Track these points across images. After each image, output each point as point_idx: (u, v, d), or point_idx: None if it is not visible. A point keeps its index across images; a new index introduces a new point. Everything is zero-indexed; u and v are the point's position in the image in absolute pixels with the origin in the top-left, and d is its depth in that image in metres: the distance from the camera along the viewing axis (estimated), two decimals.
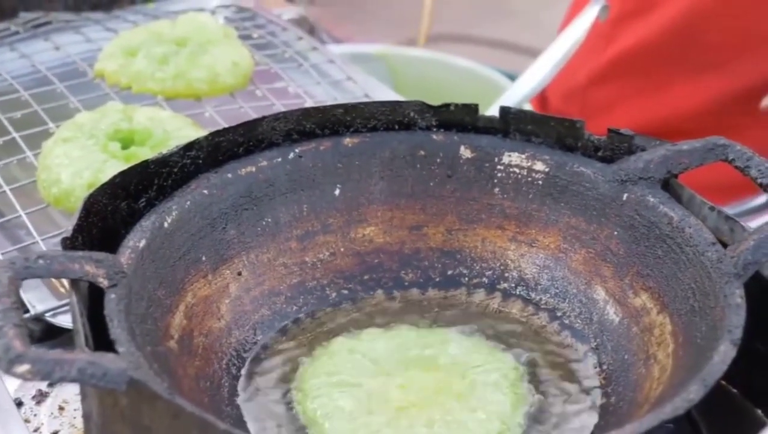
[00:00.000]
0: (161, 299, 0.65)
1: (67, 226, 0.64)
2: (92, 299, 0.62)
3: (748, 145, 0.71)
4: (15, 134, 0.96)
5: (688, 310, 0.65)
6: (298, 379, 0.68)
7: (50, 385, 0.76)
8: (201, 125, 0.95)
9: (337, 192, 0.75)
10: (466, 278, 0.75)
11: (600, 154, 0.74)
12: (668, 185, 0.71)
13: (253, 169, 0.73)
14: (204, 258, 0.70)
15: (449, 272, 0.76)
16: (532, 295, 0.74)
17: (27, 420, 0.73)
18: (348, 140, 0.76)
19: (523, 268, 0.75)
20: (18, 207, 0.88)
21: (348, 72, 1.13)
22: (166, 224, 0.68)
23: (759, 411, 0.69)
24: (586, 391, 0.67)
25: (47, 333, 0.80)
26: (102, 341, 0.59)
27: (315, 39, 1.26)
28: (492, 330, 0.72)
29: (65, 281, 0.80)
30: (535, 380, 0.68)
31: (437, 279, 0.75)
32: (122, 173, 0.68)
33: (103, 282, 0.61)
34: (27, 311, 0.79)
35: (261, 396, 0.67)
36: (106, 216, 0.67)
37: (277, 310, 0.72)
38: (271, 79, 1.09)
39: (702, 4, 1.26)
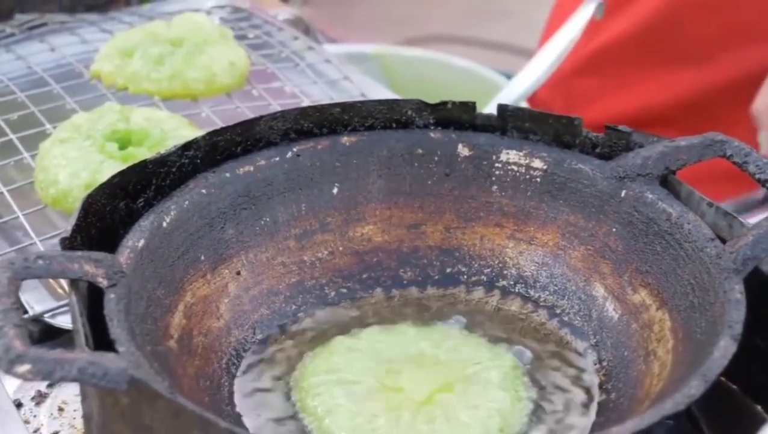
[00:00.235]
0: (160, 298, 0.65)
1: (65, 227, 0.64)
2: (91, 300, 0.62)
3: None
4: (12, 135, 0.96)
5: (687, 306, 0.65)
6: (298, 377, 0.68)
7: (49, 386, 0.76)
8: (198, 125, 0.95)
9: (335, 191, 0.75)
10: (465, 276, 0.75)
11: (598, 151, 0.74)
12: (666, 182, 0.71)
13: (251, 168, 0.73)
14: (203, 258, 0.70)
15: (448, 271, 0.76)
16: (531, 292, 0.74)
17: (27, 421, 0.73)
18: (346, 139, 0.76)
19: (521, 265, 0.75)
20: (16, 208, 0.88)
21: (344, 72, 1.13)
22: (164, 224, 0.68)
23: (759, 407, 0.69)
24: (586, 388, 0.67)
25: (46, 334, 0.80)
26: (101, 341, 0.59)
27: (310, 39, 1.26)
28: (491, 327, 0.72)
29: (64, 282, 0.81)
30: (534, 377, 0.68)
31: (436, 277, 0.75)
32: (120, 173, 0.68)
33: (103, 282, 0.61)
34: (25, 312, 0.78)
35: (261, 394, 0.67)
36: (105, 216, 0.67)
37: (276, 309, 0.72)
38: (268, 79, 1.09)
39: None
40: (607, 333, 0.70)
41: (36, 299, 0.80)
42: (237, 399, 0.66)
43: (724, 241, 0.66)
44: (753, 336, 0.62)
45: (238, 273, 0.71)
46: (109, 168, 0.84)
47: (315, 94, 1.09)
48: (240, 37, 1.15)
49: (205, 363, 0.66)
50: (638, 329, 0.68)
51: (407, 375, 0.67)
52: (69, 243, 0.63)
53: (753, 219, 0.69)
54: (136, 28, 1.11)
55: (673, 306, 0.66)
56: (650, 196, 0.70)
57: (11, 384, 0.75)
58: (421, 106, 0.77)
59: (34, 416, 0.74)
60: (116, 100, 0.99)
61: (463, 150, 0.76)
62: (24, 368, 0.52)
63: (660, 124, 1.33)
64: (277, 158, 0.74)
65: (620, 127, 0.73)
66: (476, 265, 0.75)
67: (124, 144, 0.91)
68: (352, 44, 1.44)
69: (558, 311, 0.72)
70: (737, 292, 0.62)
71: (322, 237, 0.75)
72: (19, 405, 0.74)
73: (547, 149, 0.75)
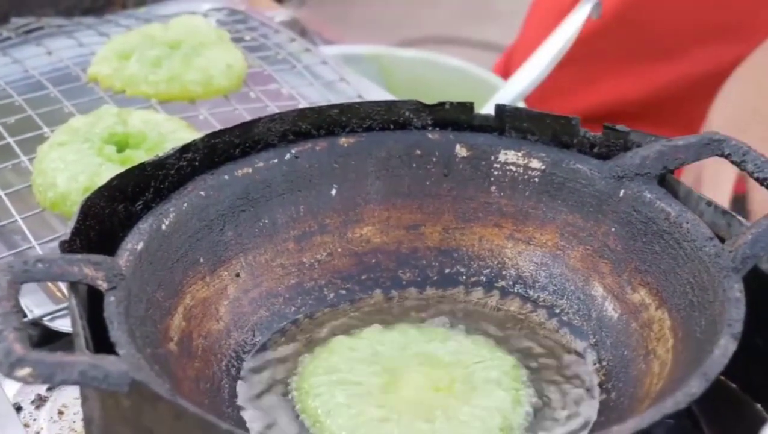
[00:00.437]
0: (160, 301, 0.65)
1: (63, 230, 0.64)
2: (90, 303, 0.62)
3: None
4: (9, 139, 0.96)
5: (686, 305, 0.65)
6: (298, 378, 0.68)
7: (49, 389, 0.76)
8: (196, 128, 0.95)
9: (333, 192, 0.76)
10: (464, 277, 0.75)
11: (596, 151, 0.74)
12: (664, 181, 0.72)
13: (250, 170, 0.73)
14: (202, 260, 0.70)
15: (447, 271, 0.76)
16: (530, 292, 0.74)
17: (26, 425, 0.73)
18: (344, 140, 0.76)
19: (520, 266, 0.75)
20: (14, 212, 0.88)
21: (341, 73, 1.13)
22: (163, 227, 0.68)
23: (759, 406, 0.69)
24: (586, 388, 0.67)
25: (45, 338, 0.80)
26: (101, 344, 0.59)
27: (307, 41, 1.26)
28: (491, 327, 0.72)
29: (63, 286, 0.81)
30: (534, 377, 0.68)
31: (435, 278, 0.75)
32: (119, 176, 0.68)
33: (102, 285, 0.61)
34: (24, 316, 0.78)
35: (261, 396, 0.67)
36: (104, 219, 0.67)
37: (276, 311, 0.72)
38: (265, 81, 1.09)
39: None
40: (606, 333, 0.70)
41: (35, 303, 0.80)
42: (237, 401, 0.66)
43: (722, 240, 0.66)
44: (752, 334, 0.62)
45: (237, 275, 0.71)
46: (107, 171, 0.84)
47: (312, 95, 1.09)
48: (237, 40, 1.15)
49: (205, 365, 0.66)
50: (638, 328, 0.68)
51: (407, 375, 0.67)
52: (68, 246, 0.63)
53: None
54: (133, 31, 1.11)
55: (673, 305, 0.66)
56: (649, 195, 0.70)
57: (11, 387, 0.75)
58: (419, 107, 0.77)
59: (34, 420, 0.74)
60: (114, 103, 0.99)
61: (461, 151, 0.76)
62: (25, 371, 0.52)
63: (633, 117, 1.32)
64: (276, 160, 0.74)
65: (618, 126, 0.73)
66: (475, 265, 0.75)
67: (122, 147, 0.90)
68: (349, 46, 1.44)
69: (557, 311, 0.72)
70: (737, 291, 0.62)
71: (320, 239, 0.75)
72: (18, 408, 0.74)
73: (545, 149, 0.75)
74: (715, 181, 1.07)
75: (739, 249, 0.64)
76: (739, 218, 0.69)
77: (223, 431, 0.53)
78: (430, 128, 0.77)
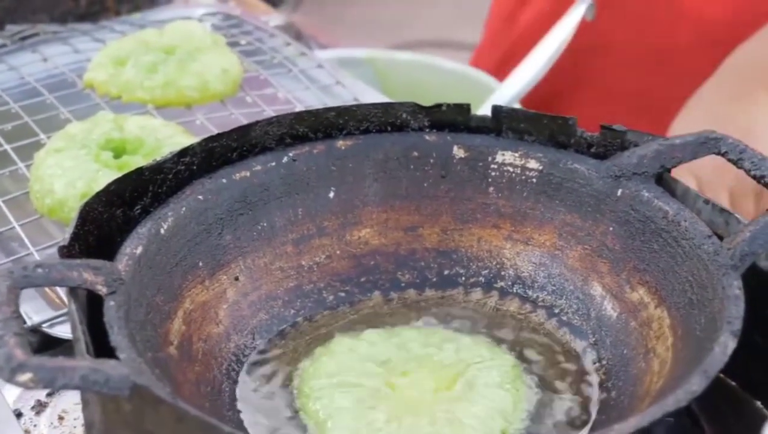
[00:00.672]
0: (160, 305, 0.65)
1: (61, 237, 0.64)
2: (89, 308, 0.62)
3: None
4: (6, 146, 0.96)
5: (686, 303, 0.65)
6: (298, 381, 0.68)
7: (49, 395, 0.76)
8: (193, 133, 0.95)
9: (331, 195, 0.76)
10: (463, 278, 0.75)
11: (593, 150, 0.74)
12: (662, 180, 0.72)
13: (248, 174, 0.73)
14: (201, 264, 0.70)
15: (446, 272, 0.76)
16: (529, 293, 0.74)
17: (27, 431, 0.73)
18: (341, 143, 0.76)
19: (519, 266, 0.75)
20: (11, 219, 0.88)
21: (337, 77, 1.13)
22: (162, 231, 0.68)
23: (758, 403, 0.69)
24: (586, 387, 0.67)
25: (44, 344, 0.80)
26: (100, 349, 0.59)
27: (302, 45, 1.26)
28: (490, 328, 0.72)
29: (62, 292, 0.81)
30: (534, 377, 0.68)
31: (434, 280, 0.76)
32: (117, 181, 0.68)
33: (102, 289, 0.61)
34: (23, 322, 0.78)
35: (262, 399, 0.67)
36: (102, 224, 0.67)
37: (275, 314, 0.72)
38: (261, 86, 1.09)
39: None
40: (606, 332, 0.70)
41: (34, 310, 0.80)
42: (238, 404, 0.66)
43: (720, 237, 0.66)
44: (751, 331, 0.62)
45: (237, 279, 0.71)
46: (104, 177, 0.84)
47: (308, 99, 1.09)
48: (232, 44, 1.15)
49: (205, 368, 0.66)
50: (637, 327, 0.68)
51: (408, 377, 0.67)
52: (67, 251, 0.63)
53: None
54: (129, 36, 1.11)
55: (672, 304, 0.66)
56: (646, 194, 0.70)
57: (11, 393, 0.75)
58: (416, 109, 0.77)
59: (35, 425, 0.74)
60: (110, 109, 0.99)
61: (458, 152, 0.76)
62: (26, 377, 0.52)
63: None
64: (273, 163, 0.74)
65: (615, 126, 0.74)
66: (474, 266, 0.75)
67: (119, 153, 0.91)
68: (344, 49, 1.44)
69: (556, 310, 0.73)
70: (735, 288, 0.62)
71: (319, 241, 0.75)
72: (19, 414, 0.74)
73: (542, 150, 0.75)
74: None
75: (737, 247, 0.64)
76: (737, 215, 0.69)
77: None
78: (427, 130, 0.77)
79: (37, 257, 0.84)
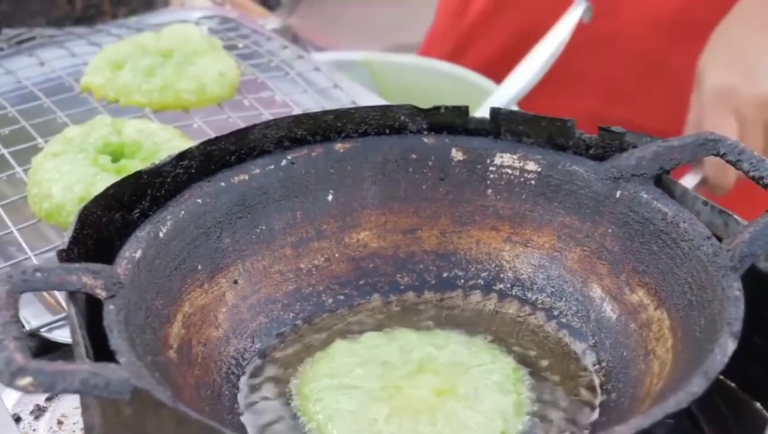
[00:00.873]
0: (159, 309, 0.65)
1: (59, 241, 0.64)
2: (88, 312, 0.62)
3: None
4: (3, 150, 0.96)
5: (685, 305, 0.65)
6: (298, 383, 0.68)
7: (48, 399, 0.76)
8: (190, 136, 0.95)
9: (330, 198, 0.76)
10: (462, 280, 0.75)
11: (591, 152, 0.74)
12: (661, 181, 0.72)
13: (246, 177, 0.73)
14: (200, 267, 0.70)
15: (445, 275, 0.76)
16: (529, 295, 0.74)
17: None
18: (339, 146, 0.76)
19: (518, 268, 0.75)
20: (9, 223, 0.88)
21: (334, 79, 1.13)
22: (161, 234, 0.68)
23: (758, 404, 0.69)
24: (586, 389, 0.67)
25: (43, 349, 0.80)
26: (99, 354, 0.58)
27: (299, 48, 1.26)
28: (490, 330, 0.72)
29: (60, 296, 0.80)
30: (535, 379, 0.68)
31: (433, 282, 0.75)
32: (116, 185, 0.68)
33: (101, 293, 0.61)
34: (22, 326, 0.78)
35: (262, 402, 0.67)
36: (101, 228, 0.67)
37: (274, 317, 0.72)
38: (258, 89, 1.09)
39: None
40: (605, 334, 0.70)
41: (32, 314, 0.80)
42: (238, 407, 0.66)
43: (719, 239, 0.66)
44: (751, 333, 0.62)
45: (236, 282, 0.71)
46: (102, 181, 0.84)
47: (306, 102, 1.09)
48: (229, 47, 1.15)
49: (205, 372, 0.66)
50: (637, 328, 0.68)
51: (408, 379, 0.67)
52: (66, 255, 0.63)
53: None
54: (126, 40, 1.11)
55: (672, 305, 0.66)
56: (645, 196, 0.70)
57: (10, 398, 0.75)
58: (414, 111, 0.77)
59: (34, 430, 0.74)
60: (107, 113, 1.00)
61: (456, 154, 0.76)
62: (25, 381, 0.52)
63: None
64: (272, 166, 0.74)
65: (613, 127, 0.73)
66: (473, 269, 0.75)
67: (116, 157, 0.91)
68: (341, 52, 1.44)
69: (556, 313, 0.73)
70: (735, 289, 0.62)
71: (318, 244, 0.75)
72: (18, 419, 0.74)
73: (540, 152, 0.75)
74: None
75: (736, 248, 0.64)
76: (736, 216, 0.69)
77: None
78: (425, 132, 0.77)
79: (34, 261, 0.84)
